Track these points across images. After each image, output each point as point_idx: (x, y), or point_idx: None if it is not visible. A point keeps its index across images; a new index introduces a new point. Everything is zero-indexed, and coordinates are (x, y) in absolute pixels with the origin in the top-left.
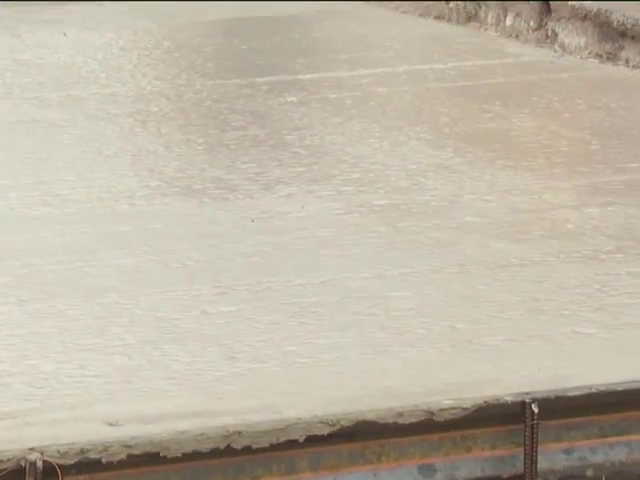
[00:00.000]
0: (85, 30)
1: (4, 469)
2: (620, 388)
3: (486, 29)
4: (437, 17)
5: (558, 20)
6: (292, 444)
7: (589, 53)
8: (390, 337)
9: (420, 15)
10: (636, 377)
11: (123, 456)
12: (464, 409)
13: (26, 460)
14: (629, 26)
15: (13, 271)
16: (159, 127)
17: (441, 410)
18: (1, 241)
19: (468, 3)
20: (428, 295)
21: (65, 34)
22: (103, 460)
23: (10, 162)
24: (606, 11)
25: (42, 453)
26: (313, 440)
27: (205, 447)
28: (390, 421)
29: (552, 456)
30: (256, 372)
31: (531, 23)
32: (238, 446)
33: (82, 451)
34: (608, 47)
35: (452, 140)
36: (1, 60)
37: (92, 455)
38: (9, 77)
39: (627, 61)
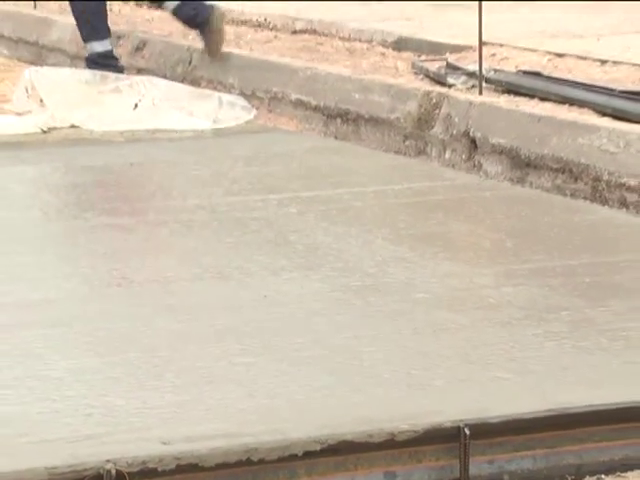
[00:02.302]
0: (147, 162)
1: (87, 475)
2: (527, 417)
3: (431, 161)
4: (396, 152)
5: (482, 154)
6: (293, 457)
7: (504, 178)
8: (363, 380)
9: (384, 151)
10: (538, 409)
11: (173, 466)
12: (416, 432)
13: (103, 469)
14: (532, 158)
15: (94, 333)
16: (199, 231)
17: (400, 432)
18: (85, 311)
19: (418, 142)
20: (391, 350)
21: (131, 164)
22: (159, 469)
23: (91, 255)
24: (516, 147)
25: (115, 463)
26: (308, 454)
27: (231, 459)
28: (363, 440)
29: (479, 465)
30: (268, 406)
31: (463, 156)
32: (255, 459)
33: (143, 462)
34: (518, 173)
35: (407, 239)
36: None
37: (151, 465)
38: (91, 194)
39: (531, 184)
